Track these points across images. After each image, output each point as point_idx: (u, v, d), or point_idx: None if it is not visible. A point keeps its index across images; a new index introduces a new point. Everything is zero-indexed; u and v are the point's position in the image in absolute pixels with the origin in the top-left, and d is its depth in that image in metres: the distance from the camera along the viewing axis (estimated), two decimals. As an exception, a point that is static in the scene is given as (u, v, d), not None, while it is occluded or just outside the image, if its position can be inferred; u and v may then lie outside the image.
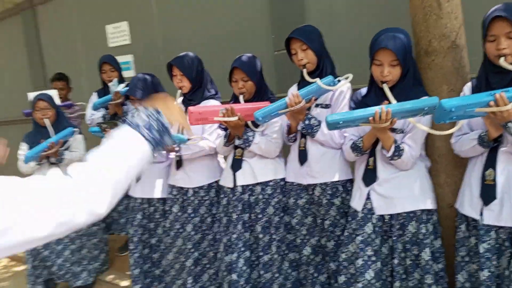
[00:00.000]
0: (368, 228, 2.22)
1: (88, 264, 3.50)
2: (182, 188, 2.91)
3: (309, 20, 3.35)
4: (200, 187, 2.86)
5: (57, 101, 3.69)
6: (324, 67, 2.46)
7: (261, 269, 2.66)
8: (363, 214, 2.25)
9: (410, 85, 2.11)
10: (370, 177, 2.25)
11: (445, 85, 2.19)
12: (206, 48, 3.85)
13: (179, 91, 2.82)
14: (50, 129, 3.30)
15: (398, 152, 2.09)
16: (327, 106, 2.46)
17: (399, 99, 1.98)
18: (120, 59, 4.11)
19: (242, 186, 2.66)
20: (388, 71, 2.07)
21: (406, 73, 2.10)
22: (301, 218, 2.58)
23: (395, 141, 2.10)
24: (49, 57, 5.59)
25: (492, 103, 1.70)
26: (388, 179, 2.20)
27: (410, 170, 2.18)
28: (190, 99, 2.88)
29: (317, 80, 2.28)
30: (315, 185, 2.49)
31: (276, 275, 2.66)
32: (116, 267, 3.79)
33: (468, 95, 1.98)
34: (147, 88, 3.01)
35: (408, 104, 1.89)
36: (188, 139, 2.69)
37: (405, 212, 2.16)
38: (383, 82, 2.08)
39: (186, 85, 2.82)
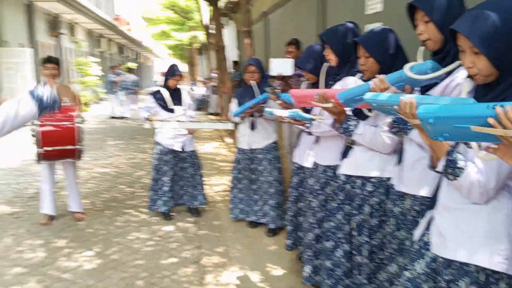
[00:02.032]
0: (419, 266, 1.70)
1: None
2: (315, 163, 2.91)
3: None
4: (328, 166, 2.78)
5: (291, 70, 4.16)
6: (451, 50, 1.88)
7: (354, 268, 2.44)
8: (418, 247, 1.73)
9: None
10: (432, 200, 1.68)
11: None
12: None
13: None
14: (256, 89, 3.87)
15: (454, 170, 1.47)
16: (435, 100, 1.90)
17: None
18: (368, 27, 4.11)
19: (345, 175, 2.44)
20: (471, 62, 1.45)
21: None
22: (393, 230, 2.16)
23: (450, 152, 1.48)
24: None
25: (492, 120, 1.03)
26: (449, 208, 1.58)
27: (482, 205, 1.49)
28: (337, 74, 2.76)
29: (406, 65, 1.82)
30: (406, 195, 2.03)
31: (364, 281, 2.38)
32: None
33: (461, 100, 1.21)
34: (317, 58, 3.05)
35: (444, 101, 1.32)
36: (312, 119, 2.66)
37: (458, 262, 1.53)
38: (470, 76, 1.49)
39: (332, 58, 2.72)
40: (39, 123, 3.88)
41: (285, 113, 2.90)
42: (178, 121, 4.26)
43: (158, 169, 4.41)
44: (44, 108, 1.81)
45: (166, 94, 4.37)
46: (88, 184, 5.86)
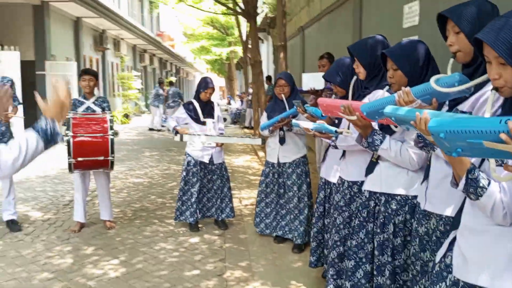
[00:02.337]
0: (440, 291, 1.59)
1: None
2: (341, 178, 2.83)
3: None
4: (354, 182, 2.69)
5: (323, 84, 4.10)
6: (483, 63, 1.78)
7: (375, 288, 2.34)
8: (439, 269, 1.62)
9: None
10: (455, 219, 1.57)
11: None
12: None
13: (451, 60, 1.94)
14: (285, 103, 3.84)
15: (476, 189, 1.37)
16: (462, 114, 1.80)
17: None
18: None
19: (369, 191, 2.35)
20: (497, 73, 1.36)
21: None
22: (418, 251, 2.05)
23: (471, 170, 1.38)
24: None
25: (505, 136, 0.95)
26: (472, 229, 1.48)
27: (507, 227, 1.38)
28: (366, 87, 2.70)
29: (432, 78, 1.73)
30: (431, 214, 1.92)
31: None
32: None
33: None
34: (346, 71, 3.00)
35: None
36: (336, 131, 2.60)
37: (479, 287, 1.42)
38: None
39: (361, 71, 2.65)
40: (72, 134, 4.00)
41: (310, 125, 2.85)
42: (206, 134, 4.28)
43: (187, 180, 4.43)
44: (49, 142, 1.74)
45: (197, 106, 4.41)
46: (121, 194, 5.98)
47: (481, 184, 1.36)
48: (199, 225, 4.51)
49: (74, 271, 3.47)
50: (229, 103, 18.72)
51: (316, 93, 4.88)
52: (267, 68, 16.52)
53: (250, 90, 14.19)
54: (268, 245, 4.03)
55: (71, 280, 3.31)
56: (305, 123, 2.94)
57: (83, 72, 4.46)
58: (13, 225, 4.38)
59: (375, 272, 2.33)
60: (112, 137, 4.15)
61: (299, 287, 3.24)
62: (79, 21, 14.41)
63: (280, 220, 4.03)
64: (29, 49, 11.32)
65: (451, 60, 1.82)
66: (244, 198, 5.65)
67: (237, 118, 15.96)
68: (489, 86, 1.66)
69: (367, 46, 2.60)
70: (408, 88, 1.83)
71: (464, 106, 1.75)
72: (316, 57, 5.50)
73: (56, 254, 3.80)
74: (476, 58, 1.76)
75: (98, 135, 4.12)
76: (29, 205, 5.29)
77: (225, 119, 15.67)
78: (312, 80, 5.14)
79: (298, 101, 3.28)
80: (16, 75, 9.04)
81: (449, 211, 1.82)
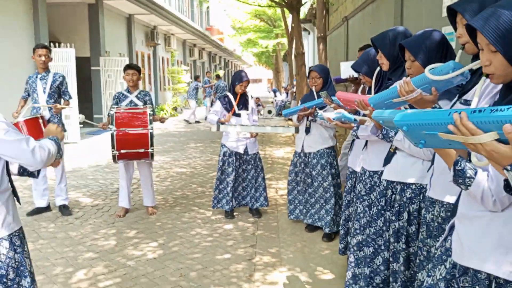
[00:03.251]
0: (439, 273, 1.64)
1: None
2: (363, 168, 2.87)
3: None
4: (375, 172, 2.73)
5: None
6: None
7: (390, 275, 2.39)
8: (440, 253, 1.66)
9: None
10: (455, 206, 1.61)
11: None
12: None
13: (460, 51, 1.95)
14: (314, 94, 3.91)
15: (464, 180, 1.41)
16: (466, 102, 1.82)
17: None
18: (447, 29, 3.97)
19: (387, 180, 2.40)
20: (488, 59, 1.40)
21: None
22: (425, 237, 2.09)
23: (457, 162, 1.41)
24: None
25: (452, 127, 1.00)
26: (467, 215, 1.51)
27: (498, 213, 1.41)
28: (389, 78, 2.72)
29: (428, 67, 1.77)
30: (436, 201, 1.95)
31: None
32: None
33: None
34: (372, 62, 3.03)
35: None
36: (355, 120, 2.65)
37: (472, 269, 1.46)
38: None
39: (385, 62, 2.68)
40: (116, 128, 4.30)
41: (332, 115, 2.91)
42: (242, 125, 4.43)
43: (223, 170, 4.61)
44: (59, 149, 1.99)
45: (232, 99, 4.56)
46: (165, 183, 6.28)
47: (468, 174, 1.40)
48: (235, 213, 4.68)
49: (116, 252, 3.75)
50: (275, 96, 18.83)
51: (355, 80, 4.87)
52: (313, 59, 16.44)
53: (295, 82, 14.21)
54: (300, 233, 4.13)
55: (113, 260, 3.59)
56: (328, 114, 3.00)
57: (127, 67, 4.73)
58: (65, 210, 4.77)
59: (391, 259, 2.38)
60: (151, 130, 4.40)
61: (325, 274, 3.32)
62: (131, 18, 15.03)
63: (310, 208, 4.11)
64: (84, 46, 12.00)
65: (460, 51, 1.84)
66: (281, 189, 5.76)
67: (282, 110, 16.04)
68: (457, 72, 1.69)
69: (389, 37, 2.62)
70: (408, 78, 1.88)
71: (469, 95, 1.76)
72: (358, 47, 5.49)
73: (101, 237, 4.11)
74: (484, 48, 1.77)
75: (138, 129, 4.39)
76: (81, 192, 5.71)
77: (270, 111, 15.82)
78: (349, 69, 5.14)
79: (325, 92, 3.33)
80: (71, 71, 9.65)
81: (450, 198, 1.85)
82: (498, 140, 0.99)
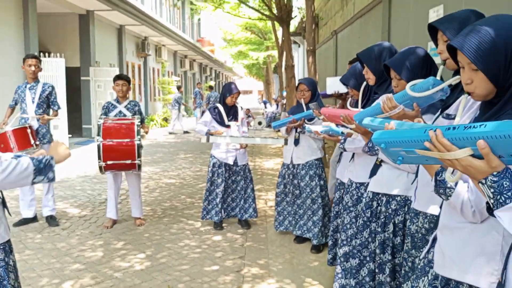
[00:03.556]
0: (422, 284, 1.67)
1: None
2: (350, 180, 2.91)
3: None
4: (362, 184, 2.77)
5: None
6: None
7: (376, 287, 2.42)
8: (423, 264, 1.70)
9: None
10: (438, 218, 1.64)
11: None
12: None
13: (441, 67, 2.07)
14: (303, 106, 3.96)
15: (445, 191, 1.45)
16: (448, 117, 1.86)
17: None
18: (432, 44, 4.07)
19: (373, 192, 2.44)
20: (469, 78, 1.44)
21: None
22: (410, 248, 2.12)
23: (438, 173, 1.45)
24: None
25: (428, 144, 1.05)
26: (448, 226, 1.55)
27: (478, 224, 1.44)
28: (376, 92, 2.78)
29: (408, 84, 1.82)
30: (420, 213, 1.99)
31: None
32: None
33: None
34: (359, 76, 3.08)
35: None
36: (342, 133, 2.70)
37: (454, 280, 1.49)
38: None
39: (371, 77, 2.73)
40: (102, 139, 4.29)
41: (320, 128, 2.96)
42: (231, 136, 4.45)
43: (212, 181, 4.62)
44: (41, 170, 1.83)
45: (222, 110, 4.59)
46: (153, 193, 6.26)
47: (448, 185, 1.43)
48: (224, 224, 4.68)
49: (103, 263, 3.72)
50: (265, 107, 18.96)
51: (341, 96, 4.95)
52: (303, 72, 16.59)
53: (285, 94, 14.32)
54: (288, 245, 4.14)
55: (100, 271, 3.56)
56: (315, 127, 3.04)
57: (117, 77, 4.75)
58: (52, 220, 4.72)
59: (376, 270, 2.41)
60: (138, 142, 4.39)
61: (314, 285, 3.33)
62: (122, 28, 15.06)
63: (299, 219, 4.13)
64: (74, 56, 11.98)
65: (441, 66, 1.89)
66: (270, 200, 5.78)
67: (272, 122, 16.14)
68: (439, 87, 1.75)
69: (375, 52, 2.68)
70: (390, 95, 1.93)
71: (450, 109, 1.81)
72: (347, 61, 5.58)
73: (89, 248, 4.08)
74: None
75: (125, 140, 4.38)
76: (68, 203, 5.66)
77: (260, 123, 15.89)
78: (337, 84, 5.21)
79: (315, 103, 3.38)
80: (61, 81, 9.62)
81: (433, 210, 1.89)
82: (473, 156, 1.03)
